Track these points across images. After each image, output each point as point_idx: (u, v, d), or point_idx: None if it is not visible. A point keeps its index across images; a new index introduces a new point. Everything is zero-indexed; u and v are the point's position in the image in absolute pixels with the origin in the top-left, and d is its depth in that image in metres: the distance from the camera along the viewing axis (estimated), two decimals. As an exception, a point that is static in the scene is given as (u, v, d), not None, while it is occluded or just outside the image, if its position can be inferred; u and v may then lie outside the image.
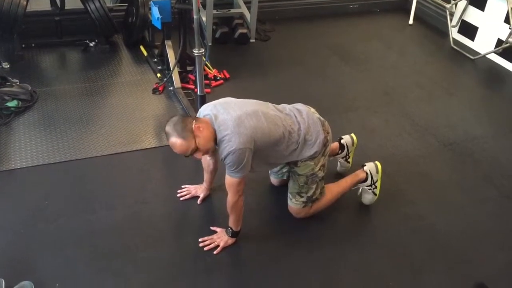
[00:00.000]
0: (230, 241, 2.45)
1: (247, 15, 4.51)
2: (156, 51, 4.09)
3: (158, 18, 3.46)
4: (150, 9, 3.71)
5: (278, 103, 2.56)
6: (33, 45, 4.15)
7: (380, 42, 4.83)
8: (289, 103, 2.66)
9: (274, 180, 2.84)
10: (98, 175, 2.85)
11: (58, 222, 2.50)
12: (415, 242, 2.56)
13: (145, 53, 4.16)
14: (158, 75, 3.87)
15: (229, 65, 4.08)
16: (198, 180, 2.79)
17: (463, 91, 4.13)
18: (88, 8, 3.99)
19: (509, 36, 4.27)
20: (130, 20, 4.18)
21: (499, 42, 4.44)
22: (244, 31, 4.48)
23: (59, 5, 4.18)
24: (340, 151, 2.89)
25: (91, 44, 4.23)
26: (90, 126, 3.25)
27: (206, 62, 3.95)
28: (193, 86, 3.71)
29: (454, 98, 3.95)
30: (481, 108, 3.88)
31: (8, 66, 3.84)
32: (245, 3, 4.62)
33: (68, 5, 4.21)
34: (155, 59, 4.05)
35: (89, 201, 2.65)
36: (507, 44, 4.30)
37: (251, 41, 4.56)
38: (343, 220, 2.67)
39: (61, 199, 2.65)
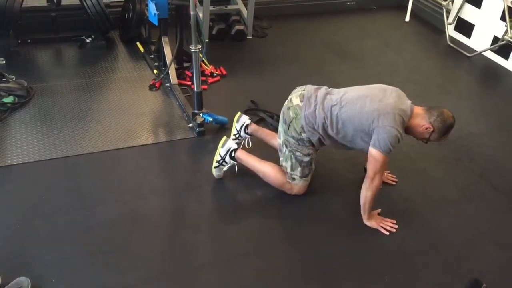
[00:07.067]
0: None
1: (244, 12, 4.50)
2: (153, 48, 4.09)
3: (154, 14, 3.45)
4: (147, 5, 3.70)
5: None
6: (29, 41, 4.13)
7: (377, 39, 4.83)
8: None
9: None
10: (94, 171, 2.85)
11: (54, 218, 2.50)
12: (410, 238, 2.57)
13: (141, 49, 4.15)
14: (155, 71, 3.87)
15: (226, 62, 4.07)
16: (195, 177, 2.81)
17: (459, 88, 4.15)
18: (85, 4, 3.98)
19: (505, 34, 4.28)
20: (126, 16, 4.17)
21: (495, 39, 4.46)
22: (241, 27, 4.47)
23: (55, 1, 4.16)
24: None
25: (87, 40, 4.21)
26: (87, 122, 3.25)
27: (203, 59, 3.95)
28: (189, 83, 3.71)
29: (450, 95, 3.96)
30: (477, 106, 3.90)
31: (4, 62, 3.82)
32: (242, -1, 4.62)
33: (65, 1, 4.19)
34: (152, 56, 4.04)
35: (85, 197, 2.65)
36: (503, 42, 4.31)
37: (248, 37, 4.56)
38: (339, 217, 2.68)
39: (58, 195, 2.65)
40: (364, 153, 2.53)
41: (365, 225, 2.60)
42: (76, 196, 2.65)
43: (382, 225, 2.59)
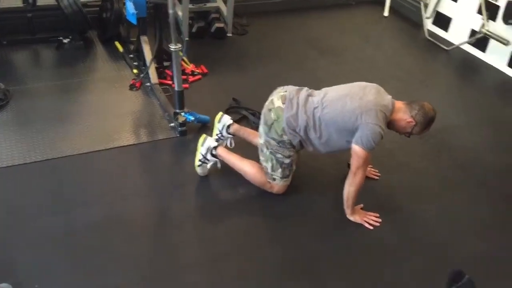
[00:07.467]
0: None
1: (224, 9, 4.48)
2: (132, 47, 4.05)
3: (133, 13, 3.41)
4: (124, 3, 3.66)
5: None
6: (4, 42, 4.05)
7: (356, 35, 4.85)
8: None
9: None
10: (75, 174, 2.81)
11: (36, 222, 2.46)
12: (394, 231, 2.60)
13: (120, 48, 4.11)
14: (135, 71, 3.83)
15: (207, 60, 4.05)
16: (178, 176, 2.79)
17: (438, 81, 4.19)
18: (61, 4, 3.92)
19: (481, 27, 4.34)
20: (104, 16, 4.12)
21: (473, 32, 4.51)
22: (221, 25, 4.45)
23: (31, 2, 4.09)
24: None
25: (65, 41, 4.14)
26: (66, 124, 3.20)
27: (183, 57, 3.92)
28: (170, 82, 3.68)
29: (429, 89, 4.00)
30: (456, 98, 3.94)
31: (-20, 64, 3.76)
32: (221, -3, 4.59)
33: (41, 1, 4.12)
34: (131, 55, 4.00)
35: (67, 200, 2.61)
36: (480, 35, 4.37)
37: (228, 35, 4.52)
38: (323, 213, 2.69)
39: (39, 199, 2.61)
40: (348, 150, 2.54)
41: (349, 220, 2.62)
42: (58, 200, 2.61)
43: (365, 219, 2.60)
